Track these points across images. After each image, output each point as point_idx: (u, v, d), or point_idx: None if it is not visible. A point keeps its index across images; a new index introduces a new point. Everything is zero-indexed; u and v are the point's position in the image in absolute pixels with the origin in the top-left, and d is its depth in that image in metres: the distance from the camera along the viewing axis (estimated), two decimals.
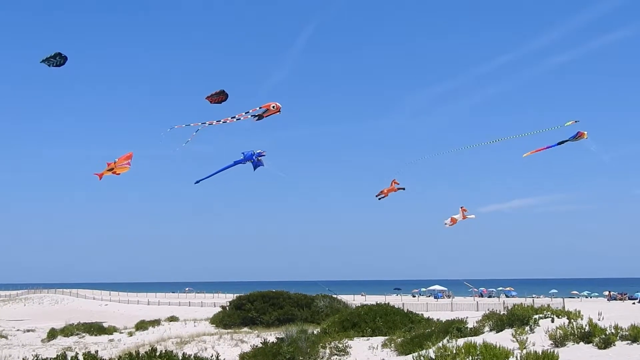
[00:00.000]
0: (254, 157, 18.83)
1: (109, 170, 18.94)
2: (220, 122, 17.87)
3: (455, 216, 26.78)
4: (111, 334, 44.23)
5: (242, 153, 18.94)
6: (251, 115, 17.69)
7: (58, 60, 16.68)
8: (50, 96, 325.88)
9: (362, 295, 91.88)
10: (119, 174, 18.95)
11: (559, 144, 21.87)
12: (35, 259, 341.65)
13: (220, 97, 17.82)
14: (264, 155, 18.97)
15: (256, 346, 25.34)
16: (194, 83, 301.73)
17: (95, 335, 43.33)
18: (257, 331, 37.10)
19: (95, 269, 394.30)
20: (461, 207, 27.01)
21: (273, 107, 17.68)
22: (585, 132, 21.38)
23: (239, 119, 17.72)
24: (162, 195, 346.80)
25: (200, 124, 18.04)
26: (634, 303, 65.31)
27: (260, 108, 17.71)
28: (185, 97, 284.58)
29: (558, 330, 16.70)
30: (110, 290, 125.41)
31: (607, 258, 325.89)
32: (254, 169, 18.99)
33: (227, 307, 46.65)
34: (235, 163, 19.00)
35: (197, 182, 19.96)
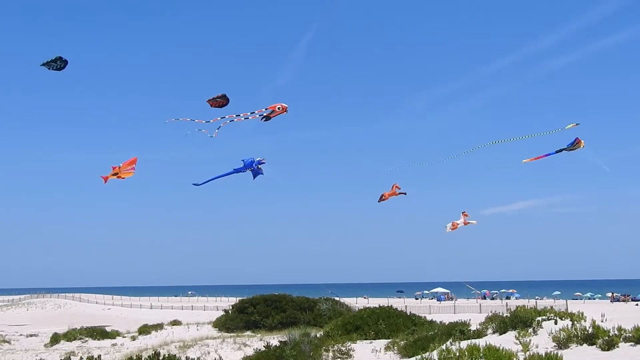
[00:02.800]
0: (254, 165, 18.82)
1: (113, 174, 19.01)
2: (228, 122, 17.91)
3: (456, 221, 26.72)
4: (114, 338, 44.20)
5: (242, 160, 18.94)
6: (258, 115, 17.75)
7: (59, 64, 16.73)
8: (52, 99, 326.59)
9: (364, 298, 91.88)
10: (123, 178, 19.03)
11: (557, 152, 21.98)
12: (38, 263, 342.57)
13: (221, 100, 17.87)
14: (263, 163, 18.97)
15: (259, 350, 25.34)
16: (196, 86, 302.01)
17: (98, 339, 43.31)
18: (259, 335, 37.10)
19: (98, 273, 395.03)
20: (463, 212, 26.93)
21: (279, 108, 17.75)
22: (582, 141, 21.44)
23: (247, 117, 17.78)
24: (164, 199, 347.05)
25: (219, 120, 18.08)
26: (637, 304, 65.29)
27: (266, 109, 17.80)
28: (187, 100, 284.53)
29: (561, 332, 16.68)
30: (113, 295, 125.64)
31: (610, 260, 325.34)
32: (254, 177, 18.99)
33: (230, 311, 46.60)
34: (235, 171, 19.00)
35: (195, 184, 20.02)
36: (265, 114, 17.75)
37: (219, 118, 17.93)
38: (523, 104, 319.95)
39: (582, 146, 21.47)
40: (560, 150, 21.83)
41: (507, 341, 16.88)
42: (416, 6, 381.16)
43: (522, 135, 23.16)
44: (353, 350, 24.17)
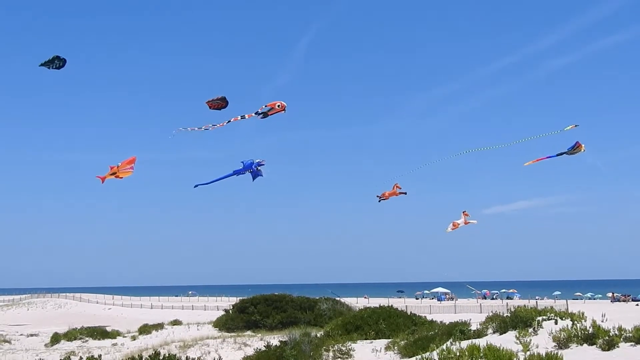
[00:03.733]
0: (253, 167, 18.79)
1: (111, 174, 18.98)
2: (230, 121, 17.89)
3: (457, 221, 26.69)
4: (114, 338, 44.25)
5: (242, 162, 18.92)
6: (256, 113, 17.73)
7: (57, 63, 16.77)
8: (51, 100, 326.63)
9: (365, 297, 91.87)
10: (122, 177, 18.99)
11: (558, 155, 22.07)
12: (39, 263, 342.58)
13: (220, 103, 17.82)
14: (263, 165, 18.95)
15: (259, 349, 25.35)
16: (196, 87, 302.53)
17: (99, 339, 43.36)
18: (260, 334, 37.12)
19: (98, 273, 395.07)
20: (463, 212, 26.91)
21: (278, 105, 17.72)
22: (583, 145, 21.49)
23: (244, 117, 17.76)
24: (164, 199, 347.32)
25: (210, 125, 18.04)
26: (637, 304, 65.23)
27: (265, 106, 17.78)
28: (186, 101, 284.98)
29: (562, 332, 16.68)
30: (113, 294, 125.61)
31: (610, 260, 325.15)
32: (253, 179, 18.97)
33: (230, 311, 46.63)
34: (235, 172, 18.97)
35: (196, 186, 20.03)
36: (263, 112, 17.73)
37: (224, 123, 17.86)
38: (523, 105, 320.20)
39: (582, 150, 21.52)
40: (561, 154, 21.92)
41: (508, 341, 16.87)
42: (416, 6, 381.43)
43: (520, 139, 23.28)
44: (353, 350, 24.17)
